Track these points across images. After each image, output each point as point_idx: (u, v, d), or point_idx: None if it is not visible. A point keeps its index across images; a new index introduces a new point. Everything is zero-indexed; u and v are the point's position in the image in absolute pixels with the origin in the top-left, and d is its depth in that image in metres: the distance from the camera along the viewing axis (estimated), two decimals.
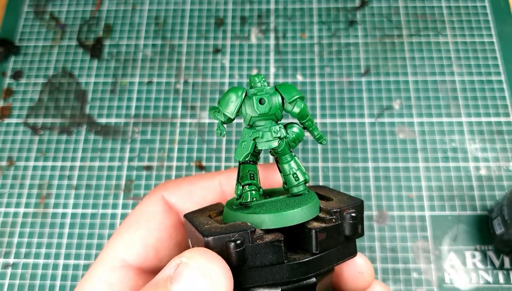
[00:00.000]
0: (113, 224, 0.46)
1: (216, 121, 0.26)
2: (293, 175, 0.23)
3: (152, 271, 0.25)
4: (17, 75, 0.54)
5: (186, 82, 0.53)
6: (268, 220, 0.21)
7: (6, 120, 0.51)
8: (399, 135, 0.49)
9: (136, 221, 0.25)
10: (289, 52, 0.53)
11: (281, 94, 0.22)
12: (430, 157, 0.48)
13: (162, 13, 0.57)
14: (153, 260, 0.24)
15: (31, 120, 0.51)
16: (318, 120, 0.50)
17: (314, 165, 0.48)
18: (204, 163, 0.48)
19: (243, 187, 0.22)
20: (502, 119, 0.49)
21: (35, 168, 0.49)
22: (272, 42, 0.54)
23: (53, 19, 0.57)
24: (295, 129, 0.23)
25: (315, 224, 0.21)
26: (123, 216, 0.46)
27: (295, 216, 0.21)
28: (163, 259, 0.25)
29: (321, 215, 0.22)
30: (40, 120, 0.51)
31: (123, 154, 0.49)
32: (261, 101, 0.22)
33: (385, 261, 0.44)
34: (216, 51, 0.54)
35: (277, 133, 0.22)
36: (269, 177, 0.26)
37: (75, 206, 0.47)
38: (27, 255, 0.45)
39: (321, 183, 0.47)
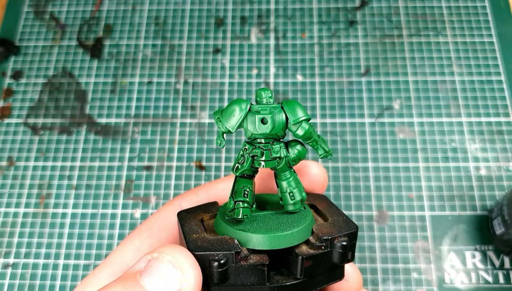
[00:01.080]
0: (113, 224, 0.46)
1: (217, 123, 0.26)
2: (289, 193, 0.22)
3: None
4: (17, 75, 0.54)
5: (186, 82, 0.53)
6: (256, 241, 0.20)
7: (6, 120, 0.51)
8: (399, 135, 0.49)
9: (149, 228, 0.25)
10: (289, 52, 0.53)
11: (286, 114, 0.21)
12: (430, 157, 0.48)
13: (162, 13, 0.57)
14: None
15: (31, 120, 0.51)
16: (318, 120, 0.50)
17: None
18: (204, 163, 0.48)
19: (235, 203, 0.22)
20: (502, 119, 0.49)
21: (35, 168, 0.49)
22: (272, 42, 0.54)
23: (53, 19, 0.57)
24: (298, 147, 0.22)
25: (303, 249, 0.21)
26: (123, 216, 0.46)
27: (285, 239, 0.21)
28: None
29: (311, 239, 0.21)
30: (40, 120, 0.51)
31: (123, 154, 0.49)
32: (263, 121, 0.21)
33: (385, 261, 0.44)
34: (216, 51, 0.54)
35: (277, 154, 0.22)
36: (270, 181, 0.26)
37: (75, 206, 0.47)
38: (27, 255, 0.45)
39: None
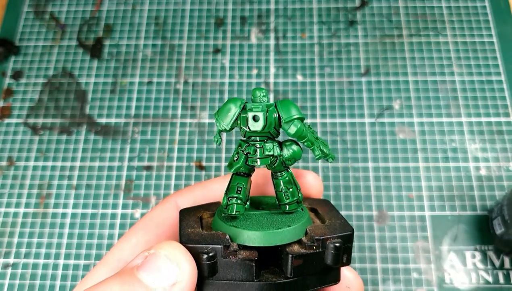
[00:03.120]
0: (113, 224, 0.46)
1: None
2: (284, 192, 0.22)
3: None
4: (17, 75, 0.54)
5: (186, 82, 0.53)
6: (247, 237, 0.21)
7: (6, 120, 0.51)
8: (399, 135, 0.49)
9: (145, 225, 0.25)
10: (289, 52, 0.53)
11: (278, 112, 0.22)
12: (430, 157, 0.48)
13: (162, 13, 0.57)
14: None
15: (31, 120, 0.51)
16: (318, 120, 0.50)
17: (314, 165, 0.48)
18: (204, 163, 0.48)
19: (228, 199, 0.22)
20: (502, 119, 0.49)
21: (35, 168, 0.49)
22: (272, 42, 0.54)
23: (53, 19, 0.57)
24: (294, 147, 0.22)
25: (295, 248, 0.21)
26: (123, 216, 0.46)
27: (275, 237, 0.21)
28: None
29: (304, 239, 0.21)
30: (40, 120, 0.51)
31: (123, 154, 0.49)
32: (255, 118, 0.21)
33: (385, 261, 0.44)
34: (216, 51, 0.54)
35: (269, 151, 0.22)
36: (265, 187, 0.26)
37: (75, 206, 0.47)
38: (27, 255, 0.45)
39: None
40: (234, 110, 0.22)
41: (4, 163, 0.49)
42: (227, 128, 0.22)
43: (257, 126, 0.21)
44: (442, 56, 0.53)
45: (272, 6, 0.56)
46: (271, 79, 0.52)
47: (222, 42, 0.54)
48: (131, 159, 0.49)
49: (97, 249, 0.45)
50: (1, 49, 0.54)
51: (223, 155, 0.49)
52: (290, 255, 0.20)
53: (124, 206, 0.47)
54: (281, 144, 0.22)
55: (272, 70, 0.53)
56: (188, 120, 0.51)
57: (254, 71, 0.53)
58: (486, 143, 0.48)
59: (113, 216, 0.46)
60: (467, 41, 0.53)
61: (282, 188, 0.22)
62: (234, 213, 0.22)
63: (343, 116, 0.50)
